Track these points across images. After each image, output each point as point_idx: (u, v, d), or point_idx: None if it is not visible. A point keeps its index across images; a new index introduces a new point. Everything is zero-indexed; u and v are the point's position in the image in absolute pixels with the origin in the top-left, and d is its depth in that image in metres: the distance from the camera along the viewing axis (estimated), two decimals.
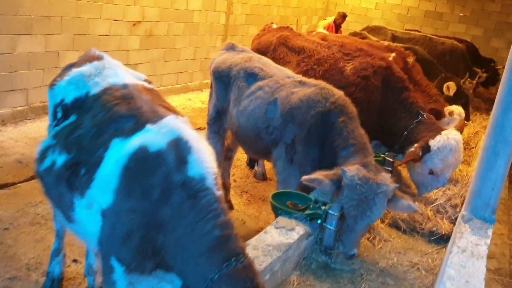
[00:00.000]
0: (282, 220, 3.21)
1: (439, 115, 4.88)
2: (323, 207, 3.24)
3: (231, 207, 5.06)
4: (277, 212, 3.37)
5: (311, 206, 3.31)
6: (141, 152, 2.18)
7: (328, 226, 3.21)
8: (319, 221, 3.25)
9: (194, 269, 2.07)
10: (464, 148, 6.54)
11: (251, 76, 4.19)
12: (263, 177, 6.01)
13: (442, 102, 5.36)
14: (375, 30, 9.56)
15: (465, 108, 6.52)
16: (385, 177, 3.29)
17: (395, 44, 7.50)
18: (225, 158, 4.93)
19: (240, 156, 6.29)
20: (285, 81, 4.07)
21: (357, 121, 3.76)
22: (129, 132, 2.30)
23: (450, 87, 6.57)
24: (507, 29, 13.76)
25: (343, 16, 11.04)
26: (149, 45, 8.81)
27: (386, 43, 6.97)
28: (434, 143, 4.47)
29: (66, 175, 2.42)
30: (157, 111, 2.42)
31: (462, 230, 3.37)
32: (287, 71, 4.30)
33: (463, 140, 6.54)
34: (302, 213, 3.29)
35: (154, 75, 9.20)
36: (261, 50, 5.45)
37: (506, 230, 5.73)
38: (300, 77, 4.14)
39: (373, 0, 15.30)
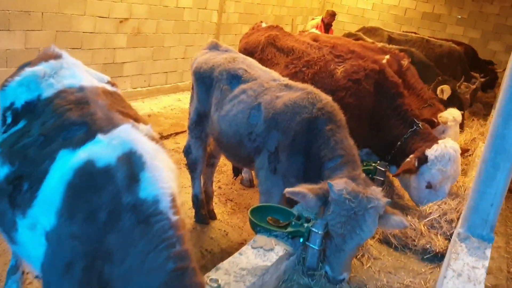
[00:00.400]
0: (260, 238, 2.92)
1: (432, 124, 4.58)
2: (306, 224, 2.95)
3: (213, 216, 4.77)
4: (256, 228, 3.07)
5: (293, 223, 3.02)
6: (87, 167, 1.90)
7: (311, 245, 2.91)
8: (301, 240, 2.95)
9: None
10: (461, 156, 6.29)
11: (235, 78, 3.89)
12: (250, 184, 5.72)
13: (437, 106, 5.05)
14: (371, 31, 9.27)
15: None
16: (376, 191, 2.98)
17: (390, 45, 7.23)
18: (207, 165, 4.63)
19: (227, 161, 5.99)
20: (270, 84, 3.78)
21: (346, 130, 3.46)
22: (78, 143, 2.01)
23: (444, 90, 6.28)
24: (506, 32, 13.53)
25: (332, 15, 10.57)
26: (137, 43, 8.51)
27: (380, 44, 6.68)
28: (431, 152, 4.15)
29: (8, 190, 2.12)
30: (111, 119, 2.12)
31: (457, 250, 3.09)
32: (273, 74, 4.00)
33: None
34: (283, 230, 3.00)
35: (142, 74, 8.92)
36: (249, 50, 5.16)
37: (504, 243, 5.45)
38: (286, 80, 3.85)
39: (370, 1, 15.02)
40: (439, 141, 4.25)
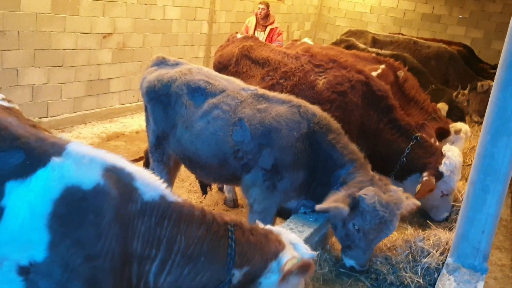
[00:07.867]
0: None
1: (446, 134, 4.41)
2: None
3: None
4: None
5: None
6: (73, 194, 1.83)
7: None
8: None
9: None
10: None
11: (197, 91, 3.65)
12: (233, 204, 5.38)
13: (443, 119, 4.81)
14: (356, 34, 8.90)
15: None
16: (398, 193, 3.19)
17: (382, 51, 6.89)
18: None
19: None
20: (243, 95, 3.59)
21: (345, 136, 3.48)
22: (24, 170, 1.82)
23: (442, 109, 5.96)
24: None
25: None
26: (123, 58, 8.29)
27: (374, 53, 6.33)
28: (446, 167, 4.11)
29: None
30: (46, 138, 1.97)
31: (445, 285, 2.73)
32: (238, 82, 3.81)
33: None
34: None
35: (130, 90, 8.68)
36: (223, 63, 4.86)
37: (509, 260, 5.01)
38: (257, 89, 3.68)
39: (368, 4, 14.67)
40: (444, 151, 4.18)
